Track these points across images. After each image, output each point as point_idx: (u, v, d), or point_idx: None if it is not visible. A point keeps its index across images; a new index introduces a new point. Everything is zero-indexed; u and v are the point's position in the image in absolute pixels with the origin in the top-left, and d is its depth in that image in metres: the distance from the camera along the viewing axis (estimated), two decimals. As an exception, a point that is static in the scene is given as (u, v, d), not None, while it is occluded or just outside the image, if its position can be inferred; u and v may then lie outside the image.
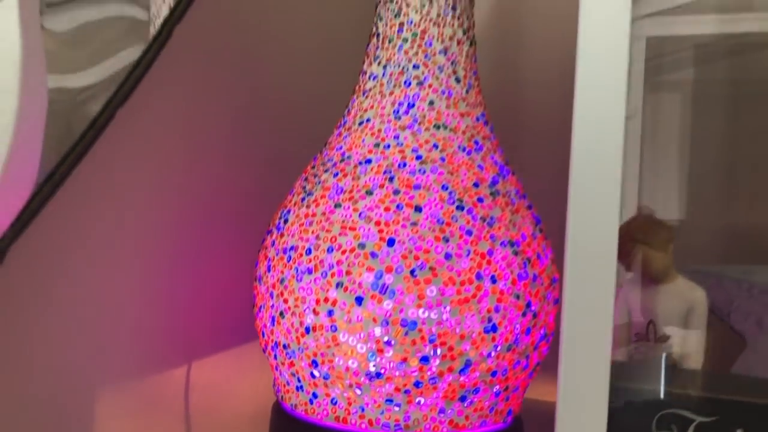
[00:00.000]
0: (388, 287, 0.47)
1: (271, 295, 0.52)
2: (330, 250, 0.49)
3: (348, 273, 0.48)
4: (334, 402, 0.50)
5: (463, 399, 0.49)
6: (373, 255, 0.48)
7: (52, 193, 0.38)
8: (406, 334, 0.47)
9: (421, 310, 0.47)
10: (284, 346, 0.51)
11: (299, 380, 0.51)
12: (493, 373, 0.49)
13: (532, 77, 0.83)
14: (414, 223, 0.48)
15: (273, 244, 0.53)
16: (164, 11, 0.51)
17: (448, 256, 0.48)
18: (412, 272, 0.47)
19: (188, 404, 0.63)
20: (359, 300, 0.47)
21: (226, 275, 0.66)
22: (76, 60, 0.45)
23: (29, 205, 0.36)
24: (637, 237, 0.49)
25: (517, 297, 0.49)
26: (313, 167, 0.55)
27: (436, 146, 0.52)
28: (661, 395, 0.45)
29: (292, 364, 0.51)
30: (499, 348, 0.49)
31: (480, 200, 0.50)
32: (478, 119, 0.55)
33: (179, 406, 0.62)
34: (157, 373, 0.60)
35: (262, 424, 0.60)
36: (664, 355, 0.50)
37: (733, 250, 0.70)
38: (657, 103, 0.69)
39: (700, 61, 0.69)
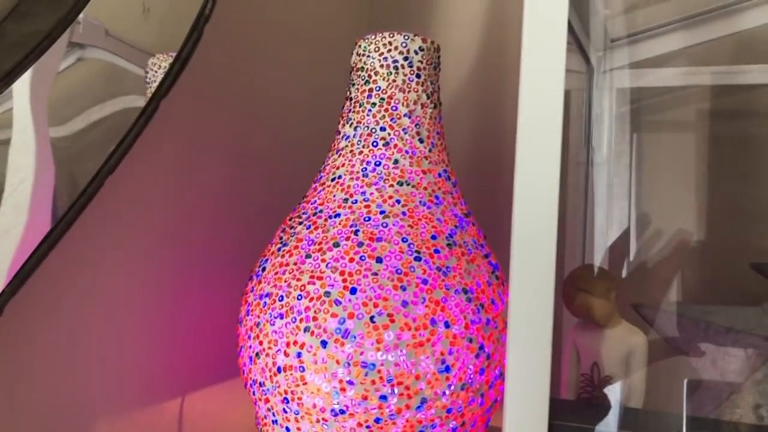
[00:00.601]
0: (349, 332, 0.52)
1: (249, 337, 0.57)
2: (299, 297, 0.54)
3: (314, 318, 0.53)
4: (304, 436, 0.55)
5: (420, 434, 0.53)
6: (337, 302, 0.53)
7: (47, 253, 0.44)
8: (366, 374, 0.52)
9: (379, 353, 0.52)
10: (260, 384, 0.56)
11: (274, 415, 0.56)
12: (449, 410, 0.54)
13: (510, 129, 0.89)
14: (375, 273, 0.53)
15: (252, 290, 0.59)
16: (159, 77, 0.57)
17: (404, 303, 0.53)
18: (371, 318, 0.52)
19: (181, 435, 0.68)
20: (324, 343, 0.52)
21: (219, 315, 0.72)
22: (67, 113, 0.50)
23: (27, 263, 0.42)
24: (579, 285, 0.54)
25: (470, 340, 0.54)
26: (290, 219, 0.61)
27: (398, 201, 0.57)
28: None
29: (267, 400, 0.56)
30: (452, 387, 0.53)
31: (437, 251, 0.55)
32: (440, 175, 0.60)
33: (172, 436, 0.68)
34: (152, 405, 0.65)
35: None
36: (606, 395, 0.54)
37: (689, 291, 0.73)
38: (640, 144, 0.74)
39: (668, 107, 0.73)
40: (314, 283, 0.54)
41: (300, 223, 0.59)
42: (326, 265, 0.54)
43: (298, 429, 0.55)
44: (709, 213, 0.69)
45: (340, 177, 0.59)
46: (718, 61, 0.71)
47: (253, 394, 0.58)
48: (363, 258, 0.54)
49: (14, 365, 0.53)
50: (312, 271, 0.55)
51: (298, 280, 0.55)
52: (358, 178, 0.58)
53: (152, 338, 0.65)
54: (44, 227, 0.42)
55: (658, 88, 0.73)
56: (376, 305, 0.52)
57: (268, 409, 0.56)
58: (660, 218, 0.69)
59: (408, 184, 0.58)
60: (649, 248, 0.67)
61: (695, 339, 0.65)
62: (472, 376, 0.54)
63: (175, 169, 0.66)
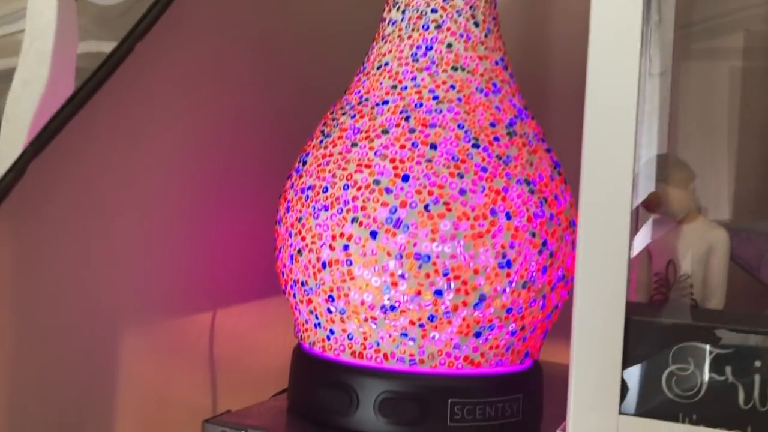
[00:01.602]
0: (402, 221, 0.47)
1: (290, 234, 0.53)
2: (346, 187, 0.49)
3: (363, 208, 0.48)
4: (350, 337, 0.50)
5: (478, 335, 0.49)
6: (388, 191, 0.48)
7: (72, 116, 0.39)
8: (420, 267, 0.47)
9: (434, 244, 0.47)
10: (302, 283, 0.52)
11: (317, 317, 0.52)
12: (509, 310, 0.49)
13: (556, 29, 0.83)
14: (429, 160, 0.49)
15: (292, 186, 0.54)
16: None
17: (462, 192, 0.48)
18: (426, 207, 0.47)
19: (213, 351, 0.65)
20: (374, 234, 0.48)
21: (249, 228, 0.67)
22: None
23: (50, 122, 0.38)
24: (656, 175, 0.49)
25: (533, 234, 0.49)
26: (332, 113, 0.56)
27: (453, 87, 0.52)
28: (678, 329, 0.44)
29: (309, 301, 0.52)
30: (513, 284, 0.49)
31: (496, 139, 0.50)
32: (497, 63, 0.55)
33: (204, 351, 0.64)
34: (182, 317, 0.61)
35: (287, 379, 0.61)
36: (683, 296, 0.49)
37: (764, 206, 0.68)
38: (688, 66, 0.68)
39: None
40: (362, 172, 0.49)
41: (344, 114, 0.54)
42: (375, 153, 0.50)
43: (344, 331, 0.51)
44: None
45: (386, 64, 0.54)
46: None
47: (294, 296, 0.54)
48: (415, 144, 0.49)
49: (36, 257, 0.49)
50: (359, 160, 0.50)
51: (344, 169, 0.50)
52: (407, 64, 0.53)
53: (185, 246, 0.61)
54: (68, 87, 0.38)
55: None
56: (430, 193, 0.48)
57: (311, 312, 0.52)
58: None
59: (463, 70, 0.53)
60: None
61: (766, 253, 0.60)
62: (534, 274, 0.49)
63: (206, 58, 0.61)
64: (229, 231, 0.65)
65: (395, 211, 0.48)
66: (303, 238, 0.51)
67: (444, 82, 0.52)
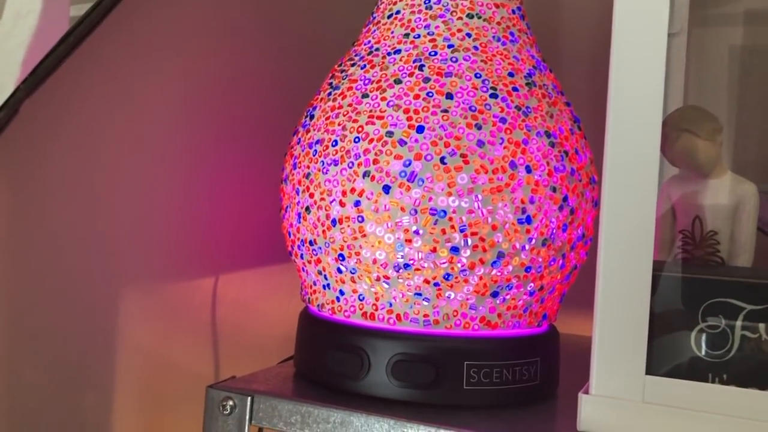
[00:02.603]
0: (416, 175, 0.45)
1: (297, 192, 0.50)
2: (357, 140, 0.47)
3: (375, 162, 0.46)
4: (361, 298, 0.48)
5: (495, 295, 0.47)
6: (402, 142, 0.46)
7: (66, 56, 0.37)
8: (436, 223, 0.45)
9: (451, 198, 0.45)
10: (310, 243, 0.49)
11: (326, 278, 0.50)
12: (527, 269, 0.47)
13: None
14: (445, 110, 0.46)
15: (299, 141, 0.52)
16: None
17: (480, 143, 0.45)
18: (441, 159, 0.45)
19: (215, 317, 0.62)
20: (387, 188, 0.45)
21: (252, 190, 0.65)
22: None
23: (44, 60, 0.35)
24: (682, 126, 0.46)
25: (554, 189, 0.47)
26: (340, 64, 0.53)
27: (469, 35, 0.49)
28: (709, 285, 0.42)
29: (318, 261, 0.49)
30: (533, 241, 0.46)
31: (515, 89, 0.48)
32: (513, 12, 0.52)
33: (206, 317, 0.62)
34: (183, 281, 0.59)
35: (292, 345, 0.59)
36: (709, 253, 0.47)
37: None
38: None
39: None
40: (374, 123, 0.47)
41: (353, 65, 0.51)
42: (387, 104, 0.47)
43: (354, 291, 0.48)
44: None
45: (398, 12, 0.51)
46: None
47: (301, 257, 0.51)
48: (430, 94, 0.47)
49: (34, 210, 0.47)
50: (371, 111, 0.47)
51: (355, 121, 0.48)
52: (420, 12, 0.50)
53: (183, 206, 0.58)
54: (62, 22, 0.35)
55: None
56: (447, 145, 0.45)
57: (319, 272, 0.50)
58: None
59: (479, 17, 0.50)
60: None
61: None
62: (554, 231, 0.47)
63: (208, 7, 0.58)
64: (231, 193, 0.63)
65: (409, 164, 0.45)
66: (311, 195, 0.49)
67: (459, 30, 0.49)
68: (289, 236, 0.52)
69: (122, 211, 0.53)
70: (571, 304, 0.59)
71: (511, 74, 0.48)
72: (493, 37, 0.50)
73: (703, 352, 0.42)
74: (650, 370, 0.42)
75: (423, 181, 0.45)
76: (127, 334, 0.54)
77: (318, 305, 0.51)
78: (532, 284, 0.48)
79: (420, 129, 0.46)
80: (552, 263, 0.48)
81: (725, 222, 0.47)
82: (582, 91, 0.57)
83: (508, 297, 0.47)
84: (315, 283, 0.51)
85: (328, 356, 0.49)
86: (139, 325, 0.55)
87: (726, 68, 0.66)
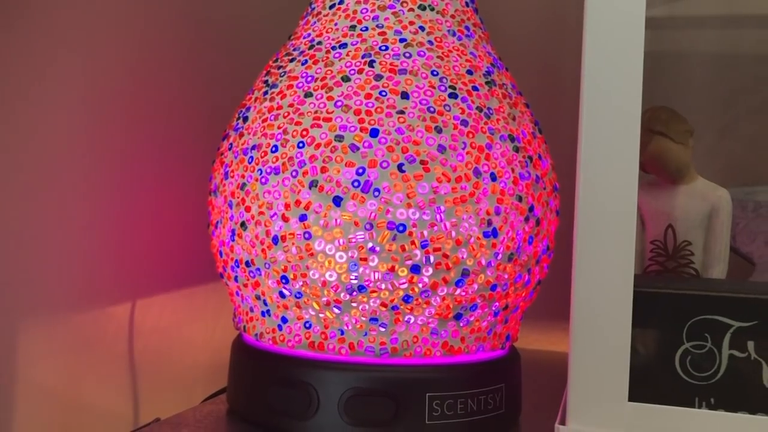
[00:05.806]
0: (371, 184, 0.40)
1: (230, 205, 0.44)
2: (301, 145, 0.41)
3: (323, 170, 0.40)
4: (308, 326, 0.42)
5: (458, 317, 0.42)
6: (354, 148, 0.40)
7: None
8: (394, 238, 0.40)
9: (411, 211, 0.40)
10: (247, 264, 0.43)
11: (265, 303, 0.43)
12: (493, 287, 0.42)
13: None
14: (401, 112, 0.41)
15: (231, 147, 0.45)
16: None
17: (441, 149, 0.41)
18: (399, 167, 0.40)
19: (132, 348, 0.55)
20: (337, 201, 0.40)
21: (172, 202, 0.58)
22: None
23: None
24: (654, 128, 0.43)
25: (520, 199, 0.42)
26: (276, 60, 0.47)
27: (422, 28, 0.44)
28: (693, 301, 0.39)
29: (257, 285, 0.43)
30: (500, 256, 0.42)
31: (475, 89, 0.43)
32: (467, 4, 0.47)
33: (122, 348, 0.54)
34: (93, 309, 0.51)
35: (220, 374, 0.52)
36: (683, 264, 0.44)
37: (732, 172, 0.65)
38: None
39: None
40: (320, 126, 0.41)
41: (291, 60, 0.45)
42: (335, 104, 0.42)
43: (299, 318, 0.42)
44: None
45: (341, 2, 0.46)
46: None
47: (236, 280, 0.45)
48: (383, 93, 0.41)
49: None
50: (316, 112, 0.42)
51: (298, 124, 0.42)
52: (366, 2, 0.45)
53: (90, 226, 0.51)
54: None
55: None
56: (405, 150, 0.40)
57: (257, 297, 0.44)
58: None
59: (432, 9, 0.45)
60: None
61: (742, 221, 0.56)
62: (520, 244, 0.43)
63: (134, 21, 0.51)
64: (146, 207, 0.55)
65: (363, 172, 0.40)
66: (248, 209, 0.42)
67: (411, 23, 0.44)
68: (221, 256, 0.46)
69: (15, 234, 0.44)
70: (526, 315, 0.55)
71: (469, 72, 0.44)
72: (448, 31, 0.45)
73: (689, 375, 0.39)
74: (633, 396, 0.38)
75: (379, 192, 0.40)
76: (29, 375, 0.46)
77: (255, 334, 0.45)
78: (497, 303, 0.43)
79: (374, 132, 0.40)
80: (518, 280, 0.44)
81: (698, 231, 0.44)
82: (535, 90, 0.53)
83: (472, 319, 0.43)
84: (252, 310, 0.45)
85: (270, 393, 0.43)
86: (43, 363, 0.47)
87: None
